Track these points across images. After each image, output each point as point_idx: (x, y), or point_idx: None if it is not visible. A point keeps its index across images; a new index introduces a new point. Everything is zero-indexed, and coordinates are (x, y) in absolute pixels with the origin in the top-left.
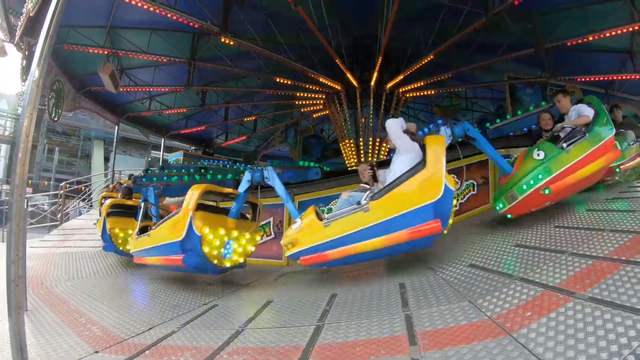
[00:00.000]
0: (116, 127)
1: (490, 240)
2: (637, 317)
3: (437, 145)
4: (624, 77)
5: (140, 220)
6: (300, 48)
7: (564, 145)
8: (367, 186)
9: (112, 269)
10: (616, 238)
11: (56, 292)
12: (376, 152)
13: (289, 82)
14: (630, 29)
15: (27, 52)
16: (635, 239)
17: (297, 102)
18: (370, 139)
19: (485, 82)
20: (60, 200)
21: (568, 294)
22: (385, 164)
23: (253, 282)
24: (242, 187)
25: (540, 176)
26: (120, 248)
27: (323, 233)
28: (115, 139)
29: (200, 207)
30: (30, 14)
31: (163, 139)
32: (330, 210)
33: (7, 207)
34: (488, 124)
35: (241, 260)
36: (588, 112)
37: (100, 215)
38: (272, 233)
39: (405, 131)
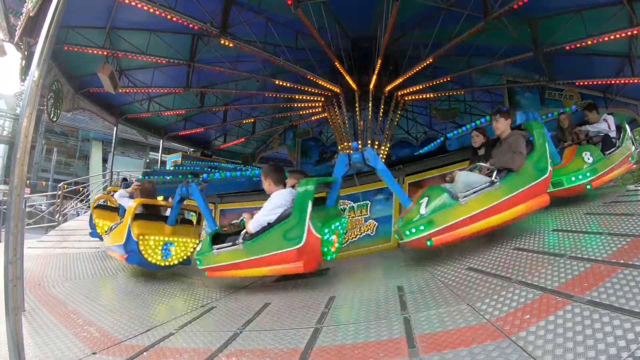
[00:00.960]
0: (115, 128)
1: (488, 243)
2: (635, 320)
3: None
4: (622, 81)
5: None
6: (299, 50)
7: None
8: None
9: (109, 270)
10: (614, 241)
11: (54, 293)
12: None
13: (288, 85)
14: (629, 33)
15: (26, 52)
16: (633, 242)
17: (295, 105)
18: (369, 142)
19: (484, 85)
20: (58, 201)
21: (567, 297)
22: None
23: (251, 284)
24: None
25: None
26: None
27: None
28: (113, 140)
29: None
30: (30, 14)
31: (161, 141)
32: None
33: (4, 207)
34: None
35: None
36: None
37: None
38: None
39: None
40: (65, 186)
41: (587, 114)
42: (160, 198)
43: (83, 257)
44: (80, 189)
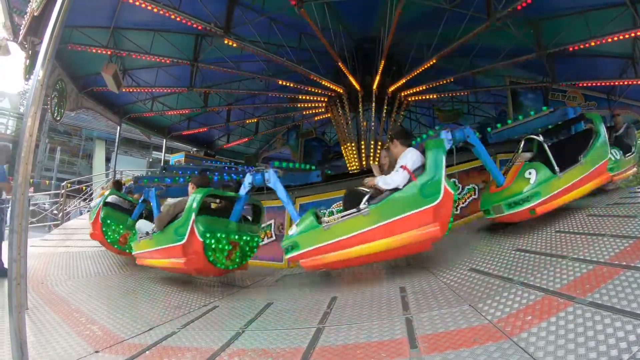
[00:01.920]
0: (118, 128)
1: (491, 244)
2: (637, 322)
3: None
4: (626, 83)
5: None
6: (302, 51)
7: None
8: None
9: (112, 269)
10: (617, 243)
11: (57, 292)
12: (377, 155)
13: (291, 85)
14: (633, 35)
15: (30, 52)
16: (635, 244)
17: (299, 105)
18: (372, 142)
19: (487, 86)
20: (62, 199)
21: (568, 298)
22: None
23: (254, 284)
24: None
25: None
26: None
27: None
28: (117, 139)
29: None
30: (35, 13)
31: (165, 140)
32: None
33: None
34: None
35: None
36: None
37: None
38: (273, 235)
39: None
40: (69, 185)
41: (391, 148)
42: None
43: (86, 256)
44: (84, 187)
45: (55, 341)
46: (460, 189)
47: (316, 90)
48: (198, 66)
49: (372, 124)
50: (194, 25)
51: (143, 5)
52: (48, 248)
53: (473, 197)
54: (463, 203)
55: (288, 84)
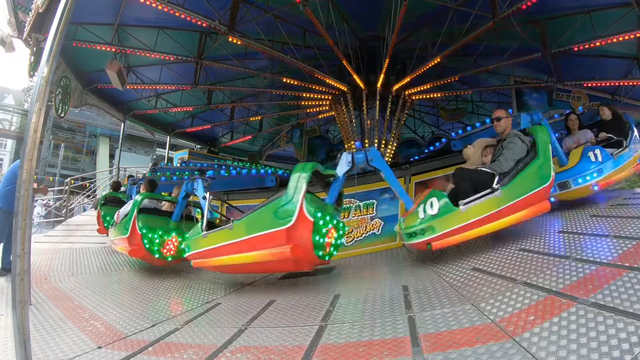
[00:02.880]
0: (122, 125)
1: (494, 244)
2: (639, 323)
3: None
4: (631, 83)
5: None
6: (307, 49)
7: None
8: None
9: (115, 265)
10: (620, 244)
11: (60, 288)
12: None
13: (295, 83)
14: (638, 35)
15: (35, 48)
16: (639, 246)
17: (303, 103)
18: (376, 140)
19: (491, 86)
20: (65, 196)
21: (571, 299)
22: None
23: (256, 281)
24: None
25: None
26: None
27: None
28: (121, 136)
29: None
30: (40, 10)
31: (169, 137)
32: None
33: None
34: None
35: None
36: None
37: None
38: None
39: None
40: (72, 181)
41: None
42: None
43: (89, 252)
44: (87, 184)
45: (59, 337)
46: None
47: (320, 89)
48: (202, 63)
49: (376, 122)
50: (199, 23)
51: (148, 3)
52: (51, 244)
53: None
54: None
55: (292, 82)
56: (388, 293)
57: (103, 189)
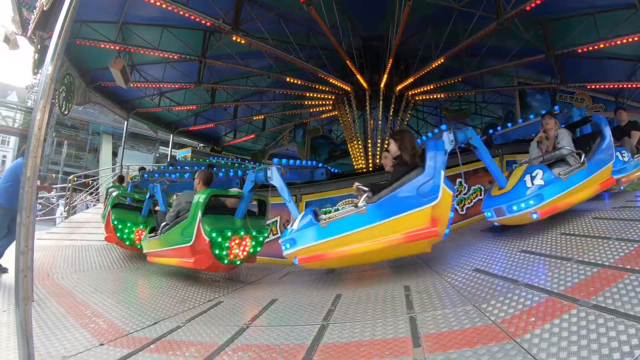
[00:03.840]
0: (125, 122)
1: (496, 245)
2: (639, 326)
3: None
4: (635, 85)
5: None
6: (310, 48)
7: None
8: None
9: (118, 262)
10: (622, 247)
11: (62, 284)
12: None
13: (299, 82)
14: None
15: (39, 46)
16: None
17: (306, 102)
18: (379, 140)
19: (495, 87)
20: (68, 193)
21: (572, 301)
22: None
23: (259, 280)
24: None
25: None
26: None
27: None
28: (124, 134)
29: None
30: (44, 8)
31: (172, 135)
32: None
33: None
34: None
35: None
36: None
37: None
38: (279, 232)
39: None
40: (75, 179)
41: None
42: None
43: (92, 249)
44: (90, 182)
45: (61, 333)
46: (466, 189)
47: (324, 88)
48: (206, 62)
49: (379, 122)
50: (202, 22)
51: (152, 1)
52: (54, 241)
53: (479, 197)
54: (469, 203)
55: (296, 81)
56: (390, 293)
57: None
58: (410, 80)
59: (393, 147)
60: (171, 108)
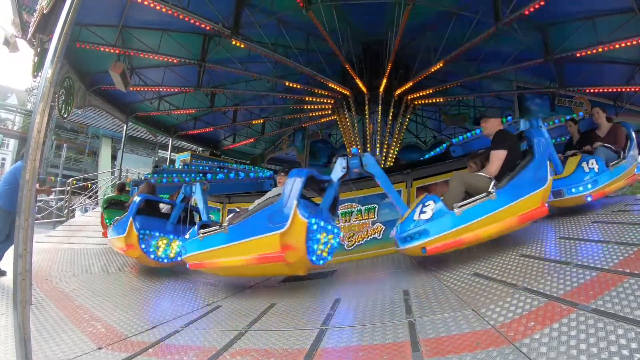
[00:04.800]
0: (125, 126)
1: (495, 249)
2: (639, 330)
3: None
4: (633, 89)
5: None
6: (309, 53)
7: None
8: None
9: (117, 266)
10: (621, 250)
11: (61, 288)
12: (383, 158)
13: (298, 87)
14: None
15: (39, 49)
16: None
17: (305, 107)
18: (378, 145)
19: (493, 91)
20: (67, 196)
21: (572, 305)
22: None
23: (257, 284)
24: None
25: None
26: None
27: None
28: (123, 138)
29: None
30: (44, 11)
31: (171, 139)
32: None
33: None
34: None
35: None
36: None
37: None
38: None
39: None
40: (74, 182)
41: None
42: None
43: (90, 253)
44: (89, 185)
45: (59, 337)
46: None
47: (323, 92)
48: (205, 66)
49: (378, 127)
50: (202, 26)
51: (152, 5)
52: (52, 244)
53: None
54: None
55: (295, 86)
56: (388, 297)
57: (105, 190)
58: (410, 84)
59: None
60: (170, 112)
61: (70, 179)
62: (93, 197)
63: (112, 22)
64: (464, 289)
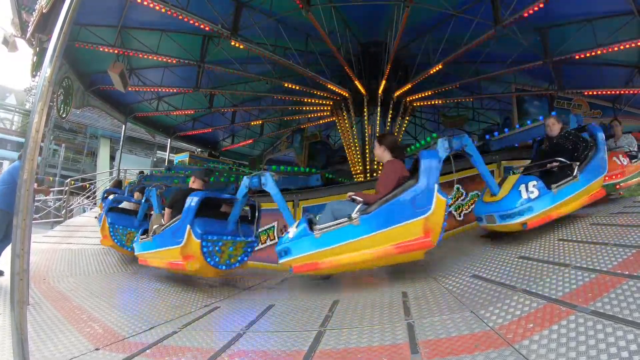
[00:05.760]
0: (123, 126)
1: (493, 251)
2: (638, 332)
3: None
4: (631, 92)
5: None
6: (309, 54)
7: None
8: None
9: (114, 267)
10: (620, 252)
11: (58, 288)
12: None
13: (297, 88)
14: (639, 43)
15: (38, 49)
16: (639, 254)
17: (304, 108)
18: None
19: (492, 93)
20: (65, 196)
21: (570, 307)
22: None
23: (255, 286)
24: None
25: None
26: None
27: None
28: (121, 138)
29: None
30: (43, 11)
31: (169, 140)
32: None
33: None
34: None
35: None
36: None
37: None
38: (276, 237)
39: None
40: (73, 182)
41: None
42: None
43: (88, 253)
44: (87, 185)
45: (56, 337)
46: (464, 196)
47: (322, 94)
48: (204, 67)
49: (377, 128)
50: (201, 26)
51: (151, 5)
52: (50, 245)
53: None
54: (467, 209)
55: (294, 87)
56: (387, 299)
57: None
58: (408, 86)
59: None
60: (169, 112)
61: (69, 179)
62: (91, 198)
63: (112, 22)
64: (463, 291)
